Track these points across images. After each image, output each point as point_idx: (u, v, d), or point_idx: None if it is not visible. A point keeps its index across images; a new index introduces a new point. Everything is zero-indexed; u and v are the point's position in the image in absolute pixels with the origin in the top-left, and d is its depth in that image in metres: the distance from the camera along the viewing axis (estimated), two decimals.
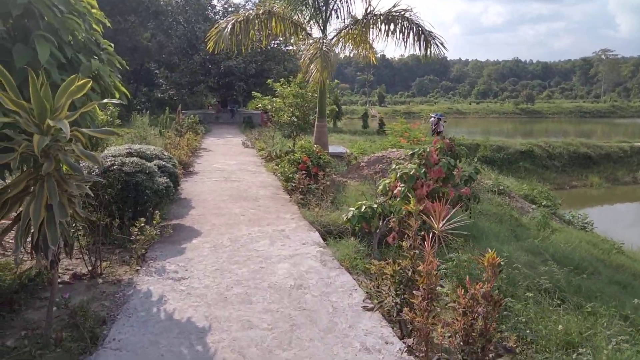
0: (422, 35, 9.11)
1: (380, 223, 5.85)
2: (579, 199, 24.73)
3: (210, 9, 35.24)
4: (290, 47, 36.17)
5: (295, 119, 14.25)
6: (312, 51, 8.88)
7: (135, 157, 6.52)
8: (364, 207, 5.60)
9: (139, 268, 5.04)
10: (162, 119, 18.74)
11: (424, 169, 5.31)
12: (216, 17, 35.24)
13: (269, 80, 14.63)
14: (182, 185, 9.34)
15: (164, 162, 7.33)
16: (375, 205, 5.79)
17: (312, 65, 8.67)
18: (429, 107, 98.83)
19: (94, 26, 5.11)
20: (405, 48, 9.43)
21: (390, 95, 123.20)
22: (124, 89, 5.28)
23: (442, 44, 9.13)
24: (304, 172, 8.99)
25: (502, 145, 31.26)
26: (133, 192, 6.03)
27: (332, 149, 11.66)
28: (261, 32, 10.50)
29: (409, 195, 5.26)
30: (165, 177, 6.75)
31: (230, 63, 30.74)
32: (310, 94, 14.04)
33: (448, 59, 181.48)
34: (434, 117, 32.36)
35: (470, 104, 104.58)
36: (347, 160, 10.65)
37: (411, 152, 5.73)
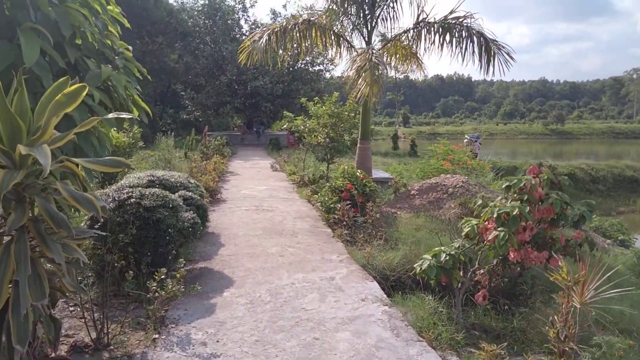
0: (484, 46, 7.91)
1: (463, 274, 4.57)
2: (630, 226, 22.87)
3: (237, 29, 34.92)
4: (318, 68, 35.57)
5: (330, 141, 13.13)
6: (359, 63, 7.77)
7: (156, 188, 5.42)
8: (443, 255, 4.33)
9: (156, 336, 3.86)
10: (188, 140, 17.90)
11: (528, 207, 4.04)
12: (243, 37, 34.91)
13: (303, 100, 13.60)
14: (209, 216, 8.24)
15: (190, 193, 6.24)
16: (454, 252, 4.52)
17: (360, 80, 7.55)
18: (454, 128, 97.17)
19: (110, 27, 4.08)
20: (463, 61, 8.24)
21: (415, 116, 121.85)
22: (144, 104, 4.22)
23: (508, 54, 7.91)
24: (348, 202, 7.77)
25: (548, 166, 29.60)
26: (153, 232, 4.91)
27: (375, 173, 10.46)
28: (299, 45, 9.48)
29: (508, 241, 3.99)
30: (191, 212, 5.63)
31: (257, 83, 30.10)
32: (346, 113, 12.94)
33: (472, 79, 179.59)
34: (469, 139, 30.97)
35: (497, 125, 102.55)
36: (393, 187, 9.41)
37: (505, 184, 4.46)
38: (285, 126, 44.81)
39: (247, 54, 9.06)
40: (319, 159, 13.32)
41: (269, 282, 5.20)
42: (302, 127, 13.51)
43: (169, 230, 4.98)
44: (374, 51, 7.98)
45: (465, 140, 30.68)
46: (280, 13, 35.16)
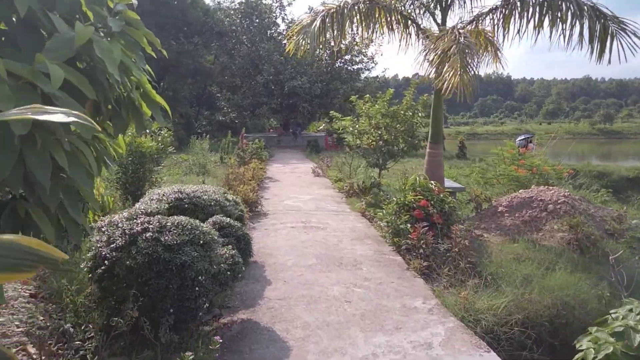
0: (600, 25, 6.07)
1: None
2: None
3: (274, 28, 33.71)
4: (357, 66, 33.89)
5: (383, 144, 11.51)
6: (443, 45, 6.09)
7: (185, 209, 3.95)
8: (636, 337, 2.65)
9: None
10: (224, 143, 16.65)
11: None
12: (279, 37, 33.67)
13: (353, 97, 12.02)
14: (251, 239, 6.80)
15: (228, 220, 4.75)
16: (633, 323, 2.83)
17: (447, 67, 5.88)
18: (494, 128, 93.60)
19: None
20: (568, 45, 6.40)
21: (452, 116, 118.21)
22: (158, 97, 2.74)
23: (635, 34, 6.01)
24: (424, 223, 6.12)
25: (604, 171, 27.16)
26: (177, 280, 3.44)
27: (446, 183, 8.76)
28: (359, 28, 7.88)
29: None
30: (229, 246, 4.13)
31: (295, 83, 28.74)
32: (402, 112, 11.28)
33: (512, 78, 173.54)
34: (523, 139, 28.60)
35: (540, 124, 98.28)
36: (475, 202, 7.67)
37: None
38: (322, 127, 43.56)
39: (295, 43, 7.53)
40: (370, 164, 11.70)
41: (340, 352, 3.64)
42: (351, 128, 11.91)
43: (199, 277, 3.49)
44: (461, 31, 6.30)
45: (519, 140, 28.38)
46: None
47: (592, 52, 6.36)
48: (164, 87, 40.18)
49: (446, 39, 6.25)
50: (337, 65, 33.16)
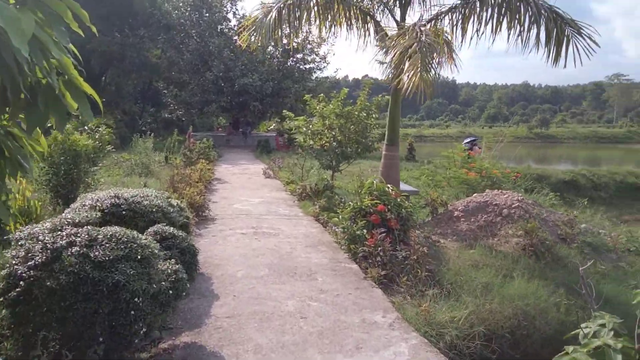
0: (556, 28, 6.09)
1: None
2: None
3: (225, 23, 32.78)
4: (309, 66, 33.61)
5: (337, 145, 11.26)
6: (405, 43, 5.85)
7: (116, 227, 3.44)
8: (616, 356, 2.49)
9: None
10: (169, 142, 15.83)
11: None
12: (230, 32, 32.77)
13: (307, 96, 11.69)
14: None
15: (171, 229, 4.26)
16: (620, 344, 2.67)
17: (408, 66, 5.64)
18: (440, 131, 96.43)
19: None
20: (525, 48, 6.38)
21: (400, 118, 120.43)
22: (85, 86, 2.28)
23: (590, 38, 6.07)
24: (382, 229, 5.89)
25: (543, 174, 28.46)
26: (108, 303, 2.96)
27: (401, 187, 8.61)
28: (317, 21, 7.52)
29: None
30: (172, 260, 3.67)
31: (246, 81, 28.03)
32: (357, 113, 11.09)
33: (457, 82, 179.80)
34: (468, 142, 29.42)
35: (482, 128, 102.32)
36: (430, 206, 7.52)
37: None
38: (272, 126, 42.92)
39: (248, 36, 7.07)
40: (323, 166, 11.42)
41: None
42: (304, 128, 11.58)
43: (135, 299, 3.02)
44: (422, 29, 6.10)
45: (465, 143, 29.13)
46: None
47: (548, 55, 6.38)
48: (106, 82, 38.15)
49: (407, 37, 6.05)
50: (289, 64, 32.75)
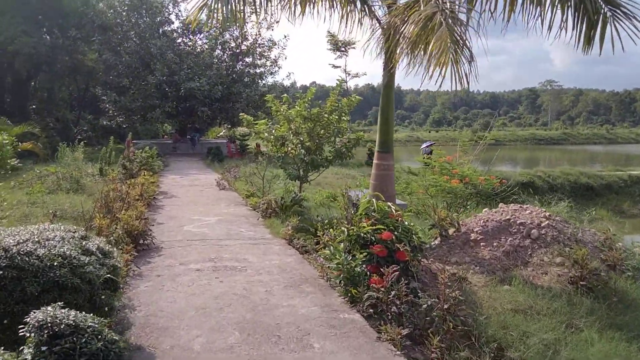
0: (591, 6, 4.87)
1: None
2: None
3: (167, 25, 30.44)
4: (260, 70, 31.83)
5: (305, 152, 9.71)
6: (422, 18, 4.34)
7: None
8: None
9: None
10: (104, 152, 13.64)
11: None
12: (174, 34, 30.46)
13: (269, 96, 10.03)
14: (134, 296, 4.52)
15: (73, 317, 2.54)
16: None
17: (433, 44, 4.13)
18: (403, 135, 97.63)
19: None
20: (550, 30, 5.10)
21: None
22: None
23: (636, 18, 4.88)
24: (394, 267, 4.36)
25: (503, 176, 28.28)
26: None
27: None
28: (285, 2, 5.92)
29: None
30: None
31: (192, 85, 25.89)
32: (326, 115, 9.60)
33: (401, 88, 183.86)
34: (427, 146, 28.76)
35: (429, 132, 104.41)
36: (439, 226, 6.04)
37: None
38: (222, 132, 40.65)
39: (199, 10, 5.35)
40: (290, 177, 9.80)
41: None
42: (265, 133, 9.93)
43: None
44: None
45: (425, 147, 28.45)
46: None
47: (578, 39, 5.13)
48: (36, 87, 34.55)
49: (423, 5, 4.59)
50: (238, 67, 30.86)
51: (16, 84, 31.93)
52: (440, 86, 4.23)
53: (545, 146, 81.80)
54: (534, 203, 9.31)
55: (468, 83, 4.23)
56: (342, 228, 5.10)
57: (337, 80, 9.77)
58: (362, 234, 4.83)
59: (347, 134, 10.16)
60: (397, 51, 5.04)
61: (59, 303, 2.57)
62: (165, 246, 6.76)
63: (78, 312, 2.51)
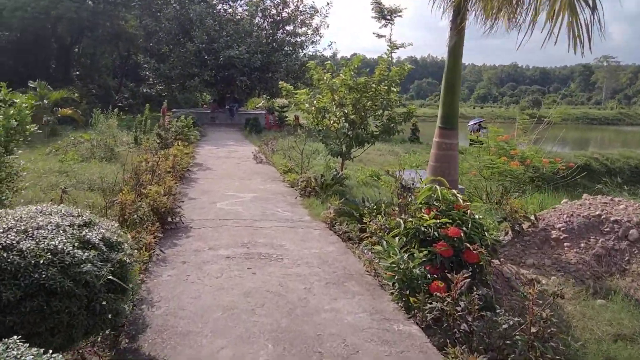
0: None
1: None
2: None
3: None
4: (301, 39, 30.73)
5: (349, 126, 8.87)
6: None
7: None
8: None
9: None
10: (139, 120, 13.20)
11: None
12: (214, 1, 29.69)
13: (311, 62, 9.17)
14: (154, 288, 3.91)
15: None
16: None
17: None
18: (431, 111, 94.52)
19: None
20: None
21: None
22: None
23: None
24: (464, 272, 3.53)
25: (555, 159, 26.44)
26: None
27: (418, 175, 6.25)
28: None
29: None
30: None
31: (231, 53, 25.16)
32: (374, 85, 8.66)
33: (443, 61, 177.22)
34: (475, 123, 27.13)
35: (474, 108, 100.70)
36: (511, 221, 5.12)
37: None
38: (261, 104, 40.08)
39: None
40: (332, 153, 8.99)
41: None
42: (306, 104, 9.11)
43: None
44: None
45: (472, 124, 26.85)
46: None
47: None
48: (79, 53, 34.74)
49: None
50: (278, 36, 29.88)
51: (61, 50, 32.16)
52: (551, 42, 3.21)
53: (599, 126, 77.25)
54: (619, 193, 8.18)
55: (590, 39, 3.23)
56: (398, 219, 4.27)
57: (388, 46, 8.75)
58: (422, 228, 4.01)
59: (395, 106, 9.23)
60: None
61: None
62: (195, 226, 6.15)
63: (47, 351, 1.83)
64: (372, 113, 8.83)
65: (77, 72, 33.13)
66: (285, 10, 30.12)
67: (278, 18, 30.17)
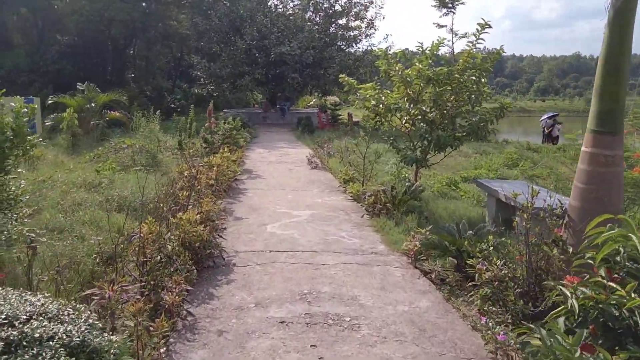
0: None
1: None
2: None
3: None
4: (355, 32, 29.10)
5: (427, 127, 7.23)
6: None
7: None
8: None
9: None
10: (183, 123, 12.15)
11: None
12: None
13: (380, 49, 7.61)
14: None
15: None
16: None
17: None
18: (488, 105, 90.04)
19: None
20: None
21: None
22: None
23: None
24: None
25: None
26: None
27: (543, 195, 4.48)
28: None
29: None
30: None
31: (283, 49, 23.98)
32: (457, 76, 6.97)
33: (502, 54, 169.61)
34: (549, 117, 24.33)
35: (534, 102, 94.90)
36: None
37: None
38: (312, 102, 38.71)
39: None
40: (406, 161, 7.36)
41: None
42: (372, 101, 7.54)
43: None
44: None
45: (545, 119, 24.06)
46: None
47: None
48: (134, 55, 34.91)
49: None
50: (331, 30, 28.43)
51: (116, 52, 32.36)
52: None
53: None
54: None
55: None
56: (564, 289, 2.61)
57: (478, 27, 7.00)
58: (613, 310, 2.36)
59: (483, 102, 7.51)
60: None
61: None
62: (239, 262, 4.76)
63: None
64: (457, 110, 7.15)
65: (132, 75, 33.28)
66: (338, 2, 28.66)
67: (330, 11, 28.75)
